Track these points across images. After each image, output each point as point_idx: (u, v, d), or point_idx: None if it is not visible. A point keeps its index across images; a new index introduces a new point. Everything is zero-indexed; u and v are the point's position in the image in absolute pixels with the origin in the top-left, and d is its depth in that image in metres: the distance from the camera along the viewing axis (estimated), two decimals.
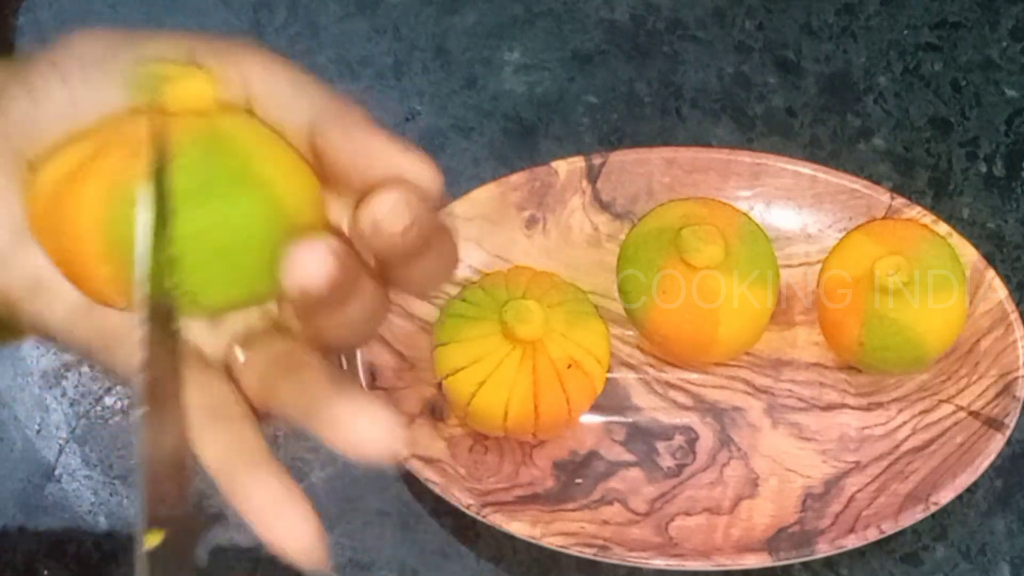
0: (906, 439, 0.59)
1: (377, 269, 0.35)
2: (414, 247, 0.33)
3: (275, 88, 0.36)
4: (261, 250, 0.33)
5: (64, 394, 0.61)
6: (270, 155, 0.34)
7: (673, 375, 0.61)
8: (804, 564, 0.56)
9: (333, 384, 0.35)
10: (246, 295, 0.34)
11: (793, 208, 0.64)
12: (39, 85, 0.36)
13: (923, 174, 0.68)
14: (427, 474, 0.55)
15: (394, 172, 0.34)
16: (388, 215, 0.33)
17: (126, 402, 0.60)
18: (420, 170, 0.34)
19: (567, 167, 0.64)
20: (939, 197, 0.67)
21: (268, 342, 0.37)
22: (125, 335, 0.35)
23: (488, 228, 0.63)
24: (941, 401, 0.59)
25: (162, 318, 0.33)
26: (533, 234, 0.63)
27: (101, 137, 0.35)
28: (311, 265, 0.32)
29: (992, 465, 0.56)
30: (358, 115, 0.35)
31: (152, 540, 0.33)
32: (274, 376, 0.36)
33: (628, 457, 0.59)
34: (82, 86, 0.36)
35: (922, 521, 0.55)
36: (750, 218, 0.59)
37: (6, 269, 0.36)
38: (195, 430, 0.34)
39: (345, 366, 0.58)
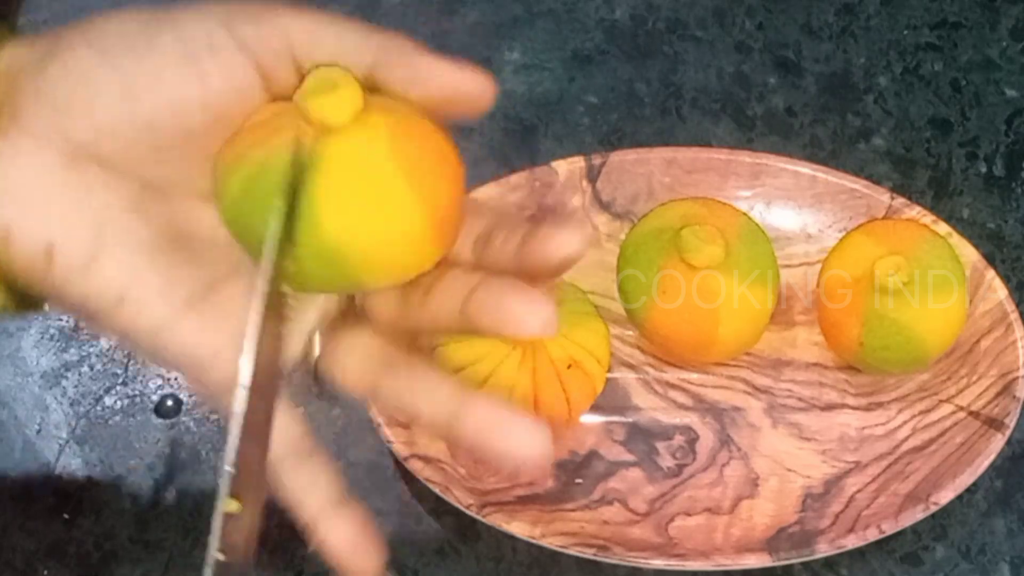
0: (906, 439, 0.59)
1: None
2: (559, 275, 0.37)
3: (323, 43, 0.37)
4: (417, 247, 0.35)
5: (64, 394, 0.61)
6: (419, 153, 0.35)
7: (673, 375, 0.61)
8: (804, 564, 0.56)
9: (454, 386, 0.37)
10: (397, 281, 0.36)
11: (793, 208, 0.64)
12: (83, 68, 0.35)
13: (923, 174, 0.68)
14: (427, 474, 0.55)
15: (460, 88, 0.37)
16: (578, 251, 0.36)
17: (126, 402, 0.61)
18: (479, 83, 0.37)
19: (567, 167, 0.64)
20: (939, 197, 0.67)
21: (350, 331, 0.39)
22: (204, 358, 0.37)
23: None
24: (941, 401, 0.59)
25: (274, 303, 0.35)
26: None
27: (267, 123, 0.35)
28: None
29: (992, 465, 0.56)
30: (409, 45, 0.38)
31: (230, 507, 0.34)
32: (375, 372, 0.38)
33: (628, 457, 0.59)
34: (135, 68, 0.35)
35: (922, 521, 0.55)
36: (750, 218, 0.59)
37: (86, 277, 0.36)
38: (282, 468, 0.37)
39: None
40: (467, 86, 0.37)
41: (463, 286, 0.36)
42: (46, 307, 0.39)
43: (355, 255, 0.34)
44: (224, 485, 0.34)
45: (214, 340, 0.37)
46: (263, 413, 0.35)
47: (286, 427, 0.37)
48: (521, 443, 0.35)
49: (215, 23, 0.36)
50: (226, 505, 0.34)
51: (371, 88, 0.37)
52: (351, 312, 0.39)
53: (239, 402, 0.34)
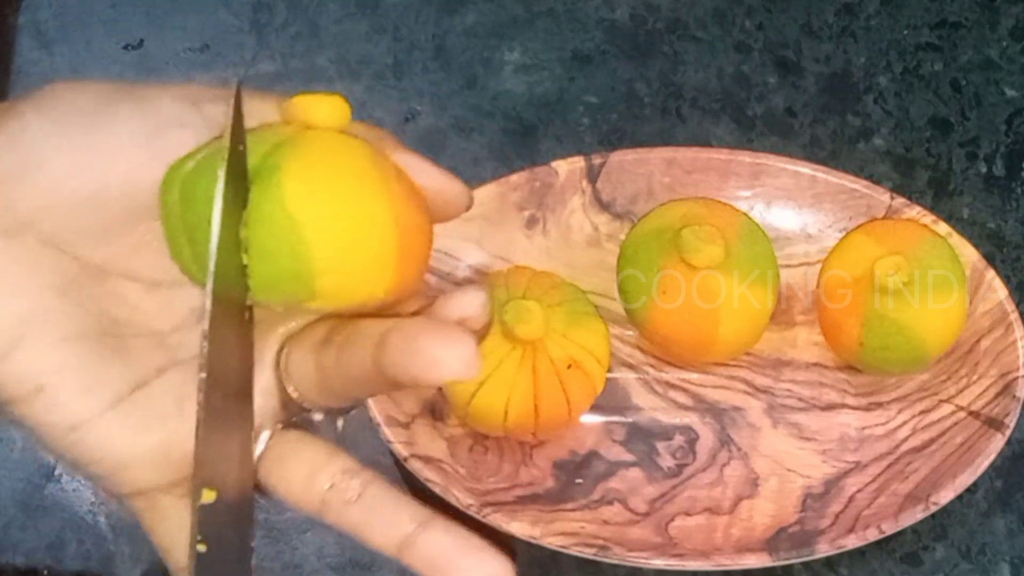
0: (906, 439, 0.59)
1: None
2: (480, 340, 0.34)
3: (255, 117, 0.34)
4: (378, 252, 0.32)
5: None
6: (395, 175, 0.33)
7: (673, 375, 0.61)
8: (804, 564, 0.56)
9: (410, 508, 0.34)
10: (349, 294, 0.33)
11: (793, 208, 0.64)
12: (32, 137, 0.33)
13: (923, 174, 0.68)
14: (427, 474, 0.55)
15: (438, 188, 0.34)
16: (477, 312, 0.34)
17: None
18: (458, 190, 0.35)
19: (567, 167, 0.64)
20: (939, 197, 0.67)
21: (293, 437, 0.36)
22: (121, 463, 0.34)
23: (488, 228, 0.62)
24: (941, 401, 0.59)
25: (229, 294, 0.32)
26: (533, 234, 0.63)
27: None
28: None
29: (992, 465, 0.56)
30: (392, 139, 0.35)
31: (207, 497, 0.33)
32: (322, 488, 0.35)
33: (628, 457, 0.59)
34: (89, 141, 0.33)
35: (922, 521, 0.55)
36: (750, 218, 0.59)
37: (4, 362, 0.33)
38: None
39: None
40: (446, 188, 0.35)
41: (373, 334, 0.33)
42: None
43: (315, 239, 0.32)
44: (198, 473, 0.32)
45: (132, 445, 0.34)
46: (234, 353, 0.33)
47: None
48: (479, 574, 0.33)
49: (182, 100, 0.34)
50: (203, 495, 0.33)
51: None
52: (291, 405, 0.36)
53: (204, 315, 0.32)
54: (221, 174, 0.31)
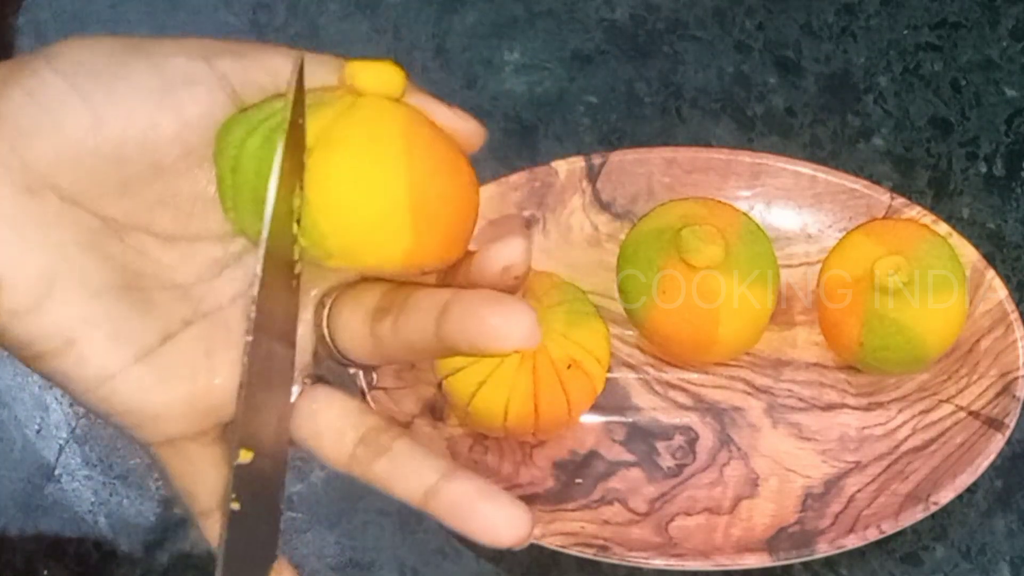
0: (906, 439, 0.59)
1: None
2: (517, 288, 0.35)
3: (313, 81, 0.35)
4: (386, 218, 0.34)
5: (64, 394, 0.61)
6: (428, 145, 0.36)
7: (673, 375, 0.61)
8: (804, 564, 0.56)
9: (434, 461, 0.35)
10: (361, 255, 0.35)
11: (793, 208, 0.64)
12: (49, 95, 0.33)
13: (923, 174, 0.68)
14: None
15: (448, 126, 0.37)
16: (519, 260, 0.35)
17: None
18: (470, 126, 0.37)
19: (567, 167, 0.64)
20: (939, 197, 0.67)
21: (325, 395, 0.37)
22: (151, 414, 0.35)
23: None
24: (941, 401, 0.59)
25: (280, 258, 0.34)
26: (533, 234, 0.63)
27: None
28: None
29: (992, 465, 0.56)
30: (426, 99, 0.37)
31: (244, 457, 0.34)
32: (353, 442, 0.36)
33: (628, 457, 0.59)
34: (105, 98, 0.34)
35: (922, 521, 0.55)
36: (750, 218, 0.59)
37: (34, 317, 0.34)
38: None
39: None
40: (461, 126, 0.37)
41: (434, 305, 0.34)
42: None
43: (320, 203, 0.34)
44: (237, 432, 0.33)
45: (162, 396, 0.35)
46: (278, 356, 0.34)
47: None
48: (498, 525, 0.34)
49: (194, 55, 0.35)
50: (240, 455, 0.33)
51: None
52: (321, 359, 0.37)
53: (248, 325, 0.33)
54: (280, 149, 0.33)
